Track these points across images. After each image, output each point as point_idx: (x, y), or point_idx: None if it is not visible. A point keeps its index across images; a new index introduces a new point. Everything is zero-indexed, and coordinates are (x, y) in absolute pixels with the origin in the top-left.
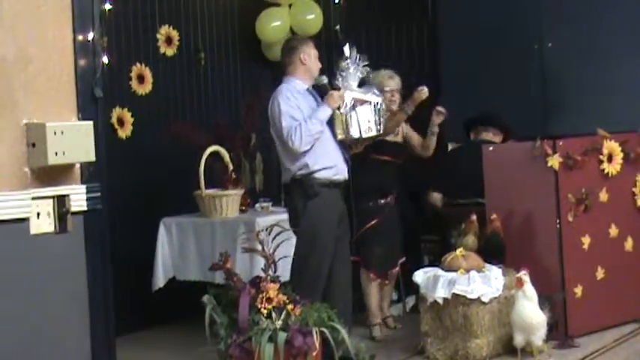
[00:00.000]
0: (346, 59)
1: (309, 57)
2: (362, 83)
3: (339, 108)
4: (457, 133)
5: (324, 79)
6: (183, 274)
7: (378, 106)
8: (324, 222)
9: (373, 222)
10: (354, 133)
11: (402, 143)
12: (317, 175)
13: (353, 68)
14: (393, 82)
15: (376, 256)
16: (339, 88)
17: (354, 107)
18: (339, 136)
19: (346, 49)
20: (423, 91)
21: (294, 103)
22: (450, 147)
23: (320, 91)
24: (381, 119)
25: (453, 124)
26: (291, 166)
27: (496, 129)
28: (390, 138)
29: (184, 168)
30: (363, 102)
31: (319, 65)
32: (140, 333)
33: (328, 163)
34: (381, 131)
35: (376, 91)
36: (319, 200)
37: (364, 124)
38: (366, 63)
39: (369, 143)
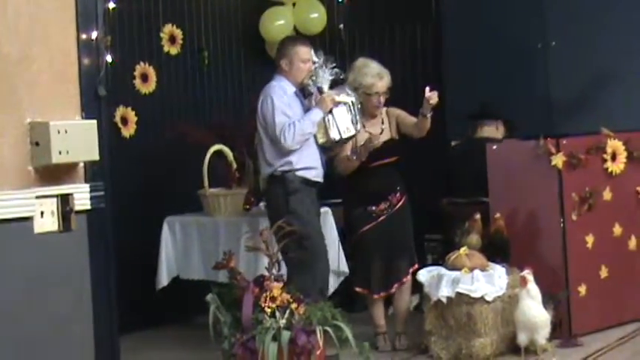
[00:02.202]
0: (314, 63)
1: (292, 65)
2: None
3: (330, 111)
4: (459, 130)
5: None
6: (186, 273)
7: (353, 105)
8: (310, 219)
9: (362, 230)
10: (335, 136)
11: (389, 140)
12: (298, 173)
13: (322, 72)
14: (381, 83)
15: (371, 270)
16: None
17: (330, 110)
18: (320, 140)
19: (312, 53)
20: (373, 144)
21: (286, 100)
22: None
23: (304, 95)
24: (357, 117)
25: (456, 123)
26: (274, 161)
27: (497, 121)
28: (374, 141)
29: (188, 167)
30: (337, 103)
31: (308, 69)
32: (144, 332)
33: (311, 164)
34: (359, 130)
35: (349, 91)
36: (299, 196)
37: (342, 125)
38: (334, 65)
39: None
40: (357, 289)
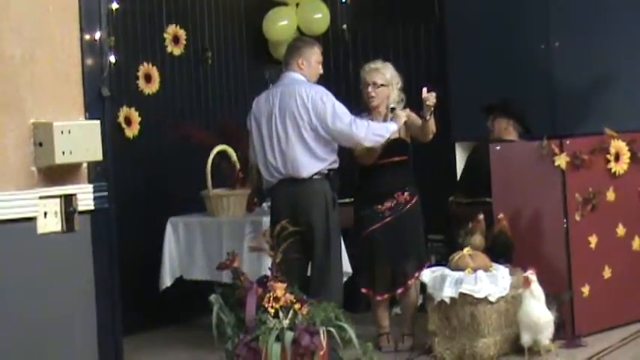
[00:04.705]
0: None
1: (309, 64)
2: None
3: None
4: (464, 132)
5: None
6: (190, 273)
7: None
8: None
9: (369, 230)
10: None
11: (398, 139)
12: (335, 170)
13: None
14: (375, 73)
15: (375, 271)
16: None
17: None
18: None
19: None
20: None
21: None
22: (457, 146)
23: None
24: None
25: (460, 124)
26: (327, 156)
27: (512, 119)
28: None
29: (191, 167)
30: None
31: (320, 71)
32: (147, 332)
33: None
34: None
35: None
36: (336, 194)
37: None
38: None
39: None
40: (362, 289)
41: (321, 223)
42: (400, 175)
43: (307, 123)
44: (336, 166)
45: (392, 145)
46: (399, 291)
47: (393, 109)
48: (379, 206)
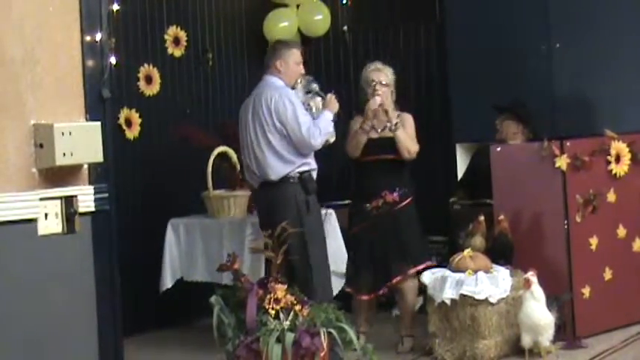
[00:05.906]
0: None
1: (287, 66)
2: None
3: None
4: (465, 133)
5: (315, 87)
6: (190, 274)
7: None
8: (322, 219)
9: (355, 228)
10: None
11: (389, 137)
12: (313, 173)
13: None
14: (379, 73)
15: (359, 271)
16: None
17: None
18: None
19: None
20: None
21: (298, 101)
22: (457, 147)
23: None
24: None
25: (461, 125)
26: (295, 159)
27: (522, 124)
28: (374, 135)
29: (192, 169)
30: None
31: (300, 71)
32: (147, 334)
33: (315, 165)
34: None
35: (318, 92)
36: (315, 196)
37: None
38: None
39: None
40: (347, 288)
41: (295, 227)
42: (391, 175)
43: (272, 126)
44: (307, 168)
45: (381, 143)
46: (382, 292)
47: (317, 93)
48: (366, 205)
